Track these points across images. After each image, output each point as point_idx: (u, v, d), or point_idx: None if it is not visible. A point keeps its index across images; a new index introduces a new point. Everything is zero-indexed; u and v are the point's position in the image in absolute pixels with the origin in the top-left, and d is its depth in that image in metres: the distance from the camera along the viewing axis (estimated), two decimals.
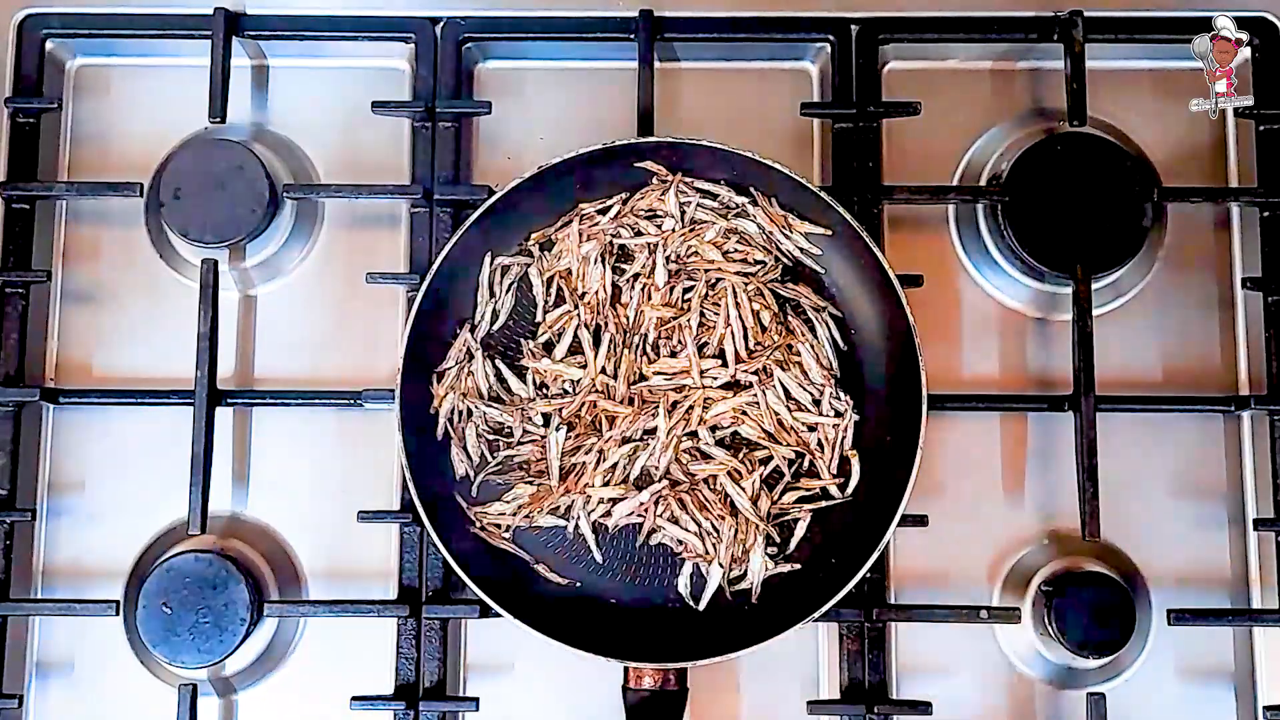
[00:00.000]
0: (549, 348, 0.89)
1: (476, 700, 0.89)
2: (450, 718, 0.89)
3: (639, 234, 0.89)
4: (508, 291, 0.90)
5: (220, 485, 0.92)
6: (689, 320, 0.87)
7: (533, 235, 0.90)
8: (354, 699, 0.88)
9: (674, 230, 0.89)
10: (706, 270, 0.88)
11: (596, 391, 0.87)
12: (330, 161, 0.98)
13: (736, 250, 0.89)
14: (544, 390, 0.88)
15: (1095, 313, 0.91)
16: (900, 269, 0.93)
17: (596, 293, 0.88)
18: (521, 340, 0.89)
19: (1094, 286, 0.91)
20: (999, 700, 0.91)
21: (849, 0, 0.96)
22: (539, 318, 0.89)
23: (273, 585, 0.91)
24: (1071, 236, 0.91)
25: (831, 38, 0.96)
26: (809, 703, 0.89)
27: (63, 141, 0.98)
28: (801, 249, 0.89)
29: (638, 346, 0.87)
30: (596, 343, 0.88)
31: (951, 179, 0.97)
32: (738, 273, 0.88)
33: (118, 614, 0.89)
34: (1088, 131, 0.93)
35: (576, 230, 0.89)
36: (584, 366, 0.87)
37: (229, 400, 0.92)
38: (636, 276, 0.89)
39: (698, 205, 0.89)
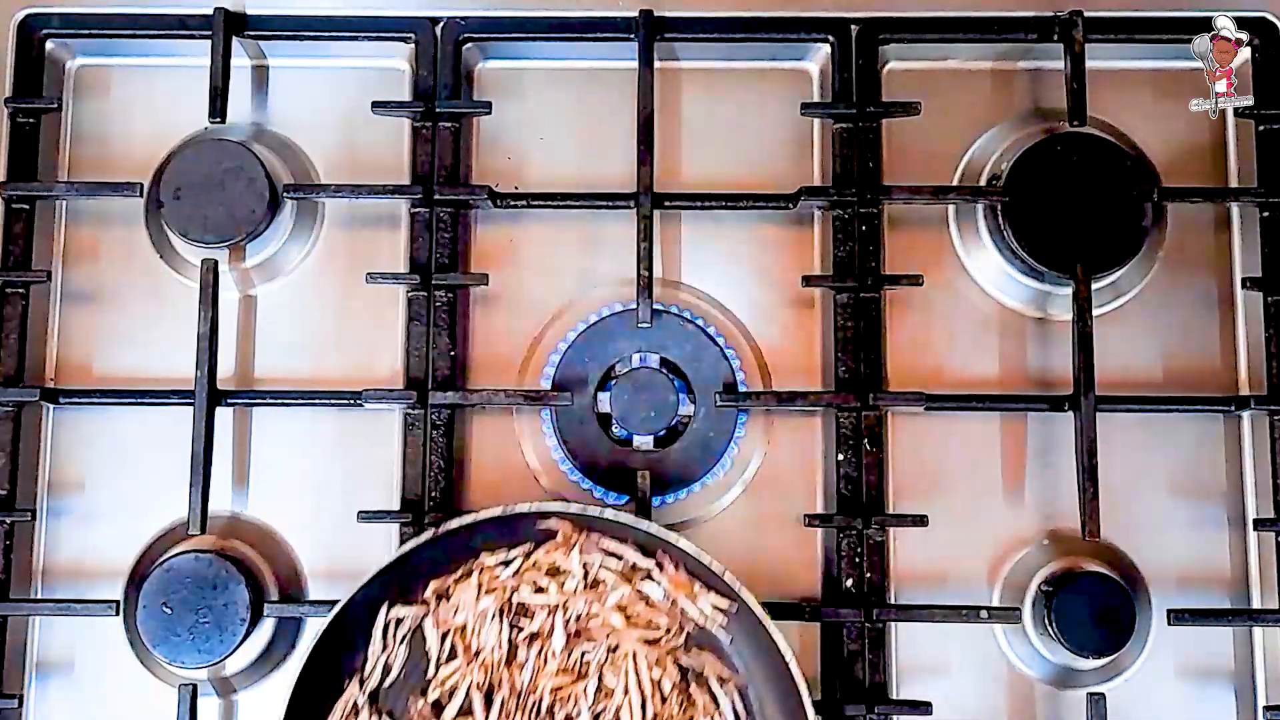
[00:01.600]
0: (438, 708, 0.84)
1: None
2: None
3: (540, 590, 0.84)
4: (401, 643, 0.85)
5: (220, 485, 0.92)
6: (586, 687, 0.83)
7: (430, 585, 0.85)
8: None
9: (576, 590, 0.84)
10: (608, 635, 0.84)
11: None
12: (330, 161, 0.98)
13: (640, 614, 0.84)
14: None
15: (1095, 313, 0.91)
16: (900, 269, 0.93)
17: (492, 650, 0.84)
18: (409, 699, 0.84)
19: (1094, 286, 0.91)
20: (999, 700, 0.91)
21: (849, 0, 0.96)
22: (431, 673, 0.84)
23: (273, 585, 0.91)
24: (1071, 236, 0.91)
25: (831, 38, 0.96)
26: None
27: (63, 141, 0.98)
28: (706, 616, 0.84)
29: (532, 709, 0.83)
30: (489, 703, 0.83)
31: (951, 179, 0.97)
32: (639, 639, 0.84)
33: (118, 614, 0.89)
34: (1088, 131, 0.93)
35: (475, 583, 0.84)
36: None
37: (229, 400, 0.92)
38: (535, 636, 0.84)
39: (601, 566, 0.84)
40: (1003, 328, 0.95)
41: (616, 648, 0.84)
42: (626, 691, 0.83)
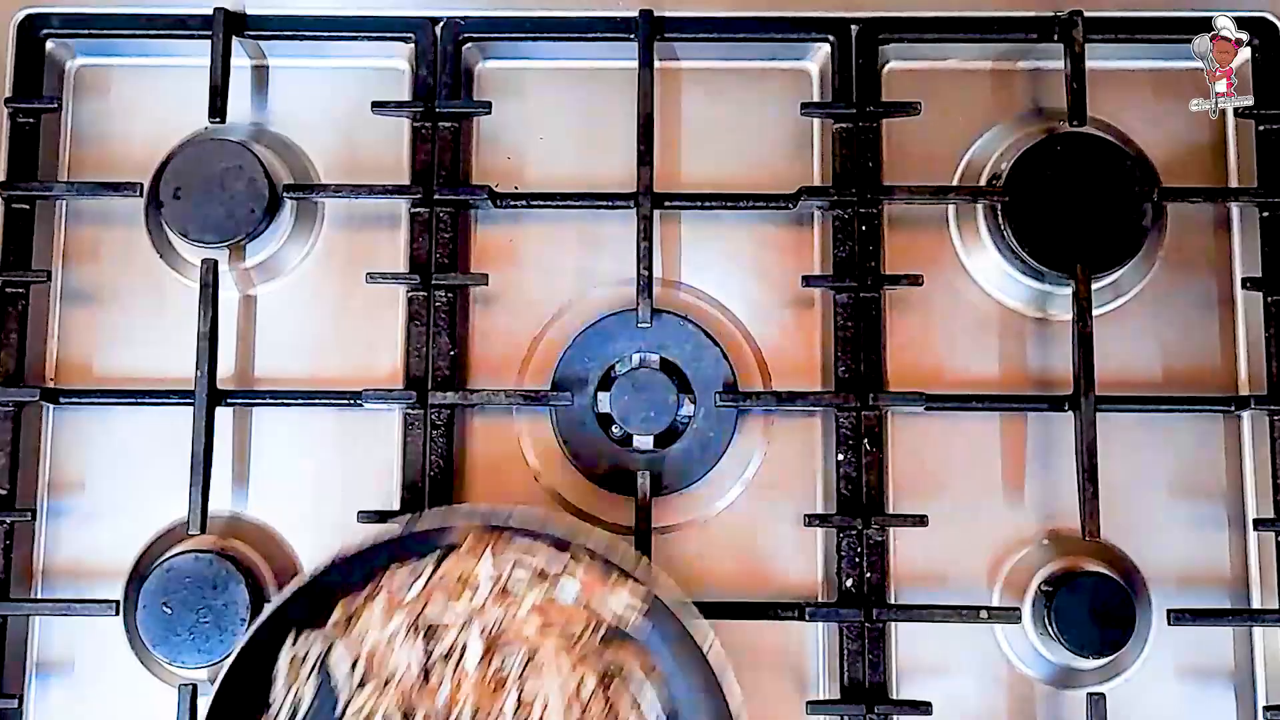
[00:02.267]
0: None
1: None
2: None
3: (450, 603, 0.81)
4: (309, 679, 0.81)
5: (220, 485, 0.92)
6: (505, 703, 0.80)
7: (338, 607, 0.81)
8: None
9: (486, 602, 0.81)
10: (524, 643, 0.81)
11: None
12: (330, 161, 0.98)
13: (554, 618, 0.81)
14: None
15: (1095, 313, 0.91)
16: (900, 269, 0.93)
17: (405, 672, 0.80)
18: None
19: (1094, 286, 0.91)
20: (999, 700, 0.91)
21: (849, 0, 0.96)
22: (342, 703, 0.81)
23: (273, 585, 0.91)
24: (1071, 236, 0.91)
25: (831, 38, 0.96)
26: (808, 703, 0.89)
27: (63, 141, 0.98)
28: (620, 615, 0.82)
29: None
30: None
31: (951, 179, 0.97)
32: (557, 644, 0.81)
33: (118, 614, 0.89)
34: (1088, 131, 0.93)
35: (382, 603, 0.81)
36: None
37: (229, 400, 0.92)
38: (448, 655, 0.81)
39: (511, 575, 0.81)
40: (1003, 328, 0.95)
41: (534, 656, 0.81)
42: (546, 701, 0.80)
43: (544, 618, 0.81)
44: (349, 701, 0.81)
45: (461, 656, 0.81)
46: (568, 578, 0.82)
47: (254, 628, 0.79)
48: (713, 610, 0.85)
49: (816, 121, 0.97)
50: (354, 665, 0.81)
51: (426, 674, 0.81)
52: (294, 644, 0.81)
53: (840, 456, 0.91)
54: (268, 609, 0.79)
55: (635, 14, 0.95)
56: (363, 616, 0.81)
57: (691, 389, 0.93)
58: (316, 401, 0.92)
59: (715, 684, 0.79)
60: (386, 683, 0.81)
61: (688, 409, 0.93)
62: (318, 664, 0.81)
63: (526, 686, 0.81)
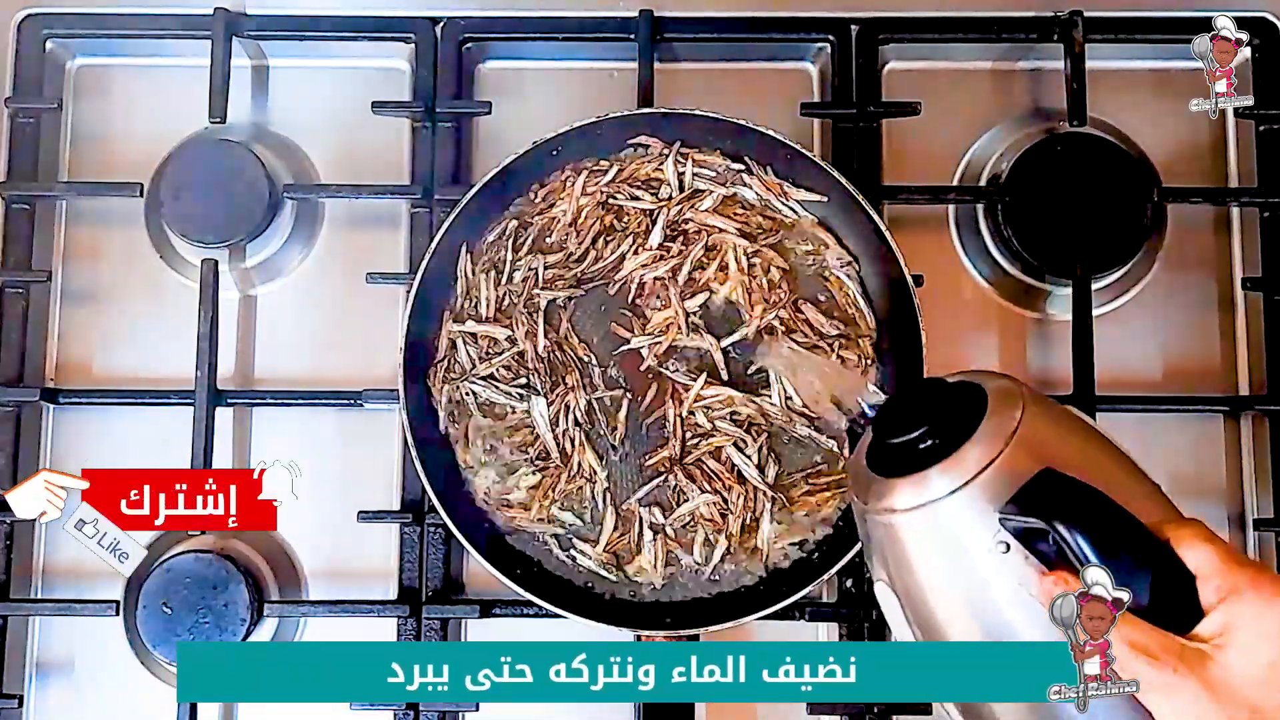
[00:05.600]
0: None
1: (476, 701, 0.89)
2: (451, 717, 0.89)
3: (635, 199, 0.89)
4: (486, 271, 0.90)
5: None
6: (680, 275, 0.88)
7: (532, 188, 0.90)
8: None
9: (671, 199, 0.89)
10: (708, 234, 0.89)
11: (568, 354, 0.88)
12: (330, 161, 0.98)
13: (737, 214, 0.90)
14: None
15: (1095, 313, 0.91)
16: None
17: (585, 241, 0.89)
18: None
19: (1094, 286, 0.91)
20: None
21: (849, 0, 0.96)
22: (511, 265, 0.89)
23: (273, 585, 0.91)
24: (1071, 236, 0.91)
25: (831, 38, 0.96)
26: (809, 703, 0.89)
27: (63, 141, 0.98)
28: (799, 214, 0.89)
29: (623, 293, 0.89)
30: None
31: (951, 179, 0.97)
32: (739, 233, 0.89)
33: (118, 614, 0.89)
34: (1088, 131, 0.93)
35: (580, 183, 0.89)
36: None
37: (229, 400, 0.92)
38: (630, 236, 0.89)
39: (694, 174, 0.89)
40: (1003, 328, 0.95)
41: (714, 247, 0.88)
42: (725, 269, 0.88)
43: (728, 214, 0.89)
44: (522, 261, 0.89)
45: (644, 240, 0.89)
46: (747, 181, 0.89)
47: (442, 228, 0.87)
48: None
49: (816, 121, 0.97)
50: (535, 232, 0.90)
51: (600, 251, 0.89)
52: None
53: None
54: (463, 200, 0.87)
55: (635, 14, 0.95)
56: (555, 192, 0.90)
57: None
58: (316, 401, 0.92)
59: (897, 267, 0.86)
60: (562, 251, 0.89)
61: None
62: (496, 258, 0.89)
63: (708, 265, 0.89)
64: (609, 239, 0.90)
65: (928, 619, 0.65)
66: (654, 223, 0.89)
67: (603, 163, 0.90)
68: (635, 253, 0.89)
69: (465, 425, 0.88)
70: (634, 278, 0.89)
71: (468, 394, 0.88)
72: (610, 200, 0.90)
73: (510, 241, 0.90)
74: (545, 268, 0.89)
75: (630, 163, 0.90)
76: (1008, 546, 0.62)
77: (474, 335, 0.88)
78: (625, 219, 0.90)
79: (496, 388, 0.88)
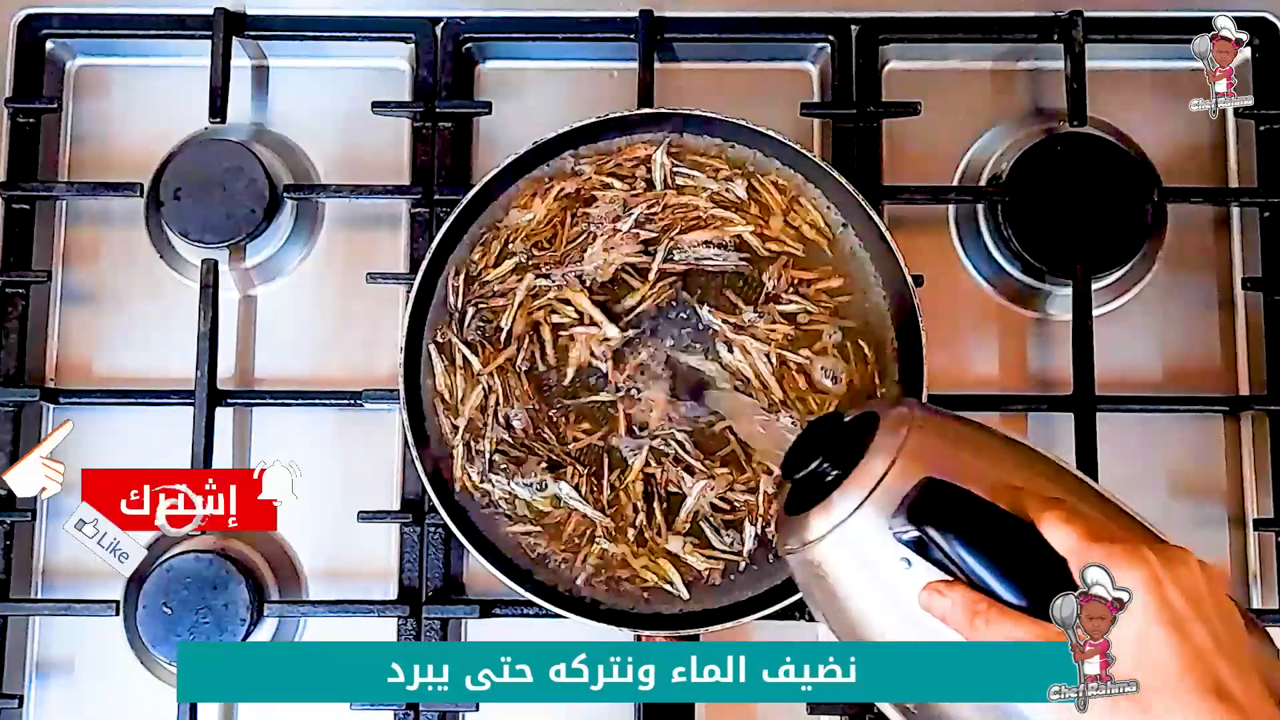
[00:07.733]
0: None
1: (476, 701, 0.89)
2: (451, 717, 0.89)
3: (614, 184, 0.89)
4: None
5: None
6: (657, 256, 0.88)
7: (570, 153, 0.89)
8: None
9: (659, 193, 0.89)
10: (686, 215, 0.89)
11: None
12: (330, 161, 0.98)
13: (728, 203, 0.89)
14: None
15: (1095, 313, 0.91)
16: None
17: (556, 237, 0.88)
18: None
19: (1094, 286, 0.91)
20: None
21: (849, 0, 0.96)
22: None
23: (273, 585, 0.91)
24: (1071, 236, 0.91)
25: (831, 38, 0.96)
26: (809, 703, 0.89)
27: (63, 141, 0.98)
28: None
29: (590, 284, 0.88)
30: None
31: (951, 179, 0.97)
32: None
33: (118, 614, 0.89)
34: (1088, 131, 0.93)
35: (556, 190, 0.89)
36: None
37: (229, 400, 0.92)
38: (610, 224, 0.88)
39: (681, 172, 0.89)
40: (1003, 328, 0.95)
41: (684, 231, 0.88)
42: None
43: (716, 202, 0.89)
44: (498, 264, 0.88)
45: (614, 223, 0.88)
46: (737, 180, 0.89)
47: (456, 210, 0.87)
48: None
49: (816, 121, 0.97)
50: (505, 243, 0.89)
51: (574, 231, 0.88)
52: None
53: None
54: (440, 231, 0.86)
55: (635, 14, 0.95)
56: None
57: None
58: (316, 401, 0.92)
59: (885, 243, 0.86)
60: (540, 247, 0.88)
61: None
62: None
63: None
64: (576, 223, 0.88)
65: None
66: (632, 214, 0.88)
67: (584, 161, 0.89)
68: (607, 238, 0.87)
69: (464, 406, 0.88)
70: (610, 262, 0.87)
71: (500, 499, 0.87)
72: (583, 191, 0.89)
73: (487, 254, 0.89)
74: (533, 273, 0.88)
75: (620, 154, 0.89)
76: (909, 562, 0.63)
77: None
78: (597, 205, 0.88)
79: (515, 482, 0.86)
